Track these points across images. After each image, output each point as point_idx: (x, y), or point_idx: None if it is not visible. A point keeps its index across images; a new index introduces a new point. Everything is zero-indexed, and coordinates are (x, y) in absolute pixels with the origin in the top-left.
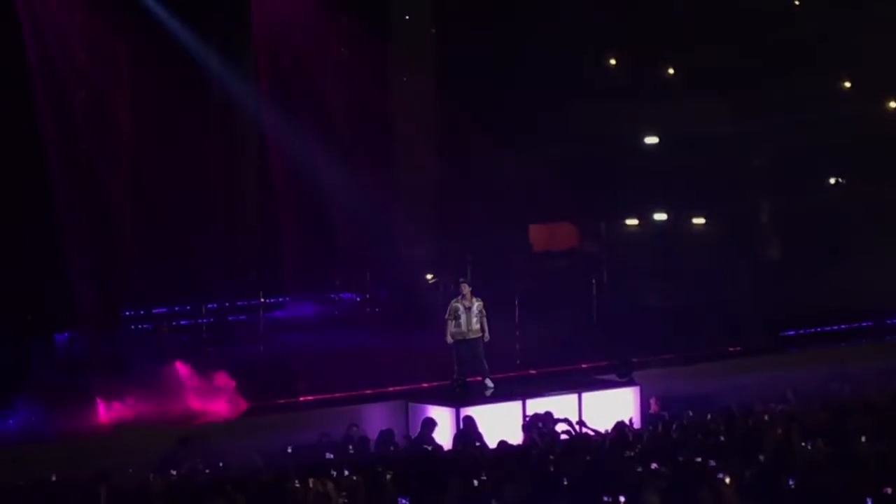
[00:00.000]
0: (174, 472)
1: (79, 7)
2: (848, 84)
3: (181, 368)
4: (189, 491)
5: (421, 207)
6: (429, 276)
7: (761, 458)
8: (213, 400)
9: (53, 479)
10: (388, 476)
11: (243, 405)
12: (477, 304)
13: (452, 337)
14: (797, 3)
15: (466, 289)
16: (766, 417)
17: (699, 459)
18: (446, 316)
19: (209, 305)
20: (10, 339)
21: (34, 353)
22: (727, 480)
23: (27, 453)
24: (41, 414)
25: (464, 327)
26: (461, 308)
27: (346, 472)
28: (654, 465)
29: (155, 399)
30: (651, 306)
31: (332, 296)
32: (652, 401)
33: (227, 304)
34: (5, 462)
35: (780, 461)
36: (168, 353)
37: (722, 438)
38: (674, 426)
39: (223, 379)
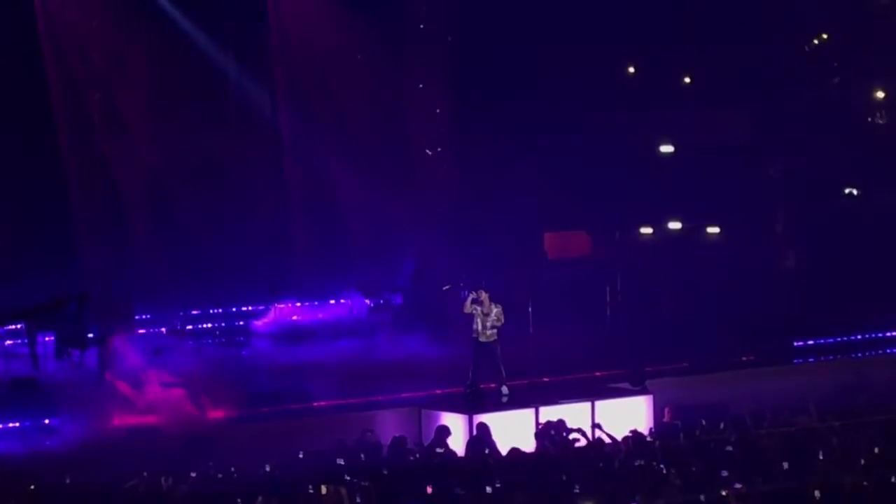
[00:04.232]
0: (193, 475)
1: (95, 10)
2: (864, 94)
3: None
4: (209, 496)
5: (435, 214)
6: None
7: (785, 465)
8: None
9: (67, 481)
10: (400, 482)
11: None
12: (496, 311)
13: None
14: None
15: (484, 295)
16: (783, 428)
17: (711, 469)
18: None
19: (222, 309)
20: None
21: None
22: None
23: (35, 459)
24: (52, 419)
25: (478, 330)
26: (479, 310)
27: (358, 478)
28: (666, 474)
29: (160, 403)
30: (665, 315)
31: (346, 301)
32: (665, 409)
33: (240, 307)
34: (20, 467)
35: (798, 472)
36: (178, 357)
37: (735, 448)
38: (687, 435)
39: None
